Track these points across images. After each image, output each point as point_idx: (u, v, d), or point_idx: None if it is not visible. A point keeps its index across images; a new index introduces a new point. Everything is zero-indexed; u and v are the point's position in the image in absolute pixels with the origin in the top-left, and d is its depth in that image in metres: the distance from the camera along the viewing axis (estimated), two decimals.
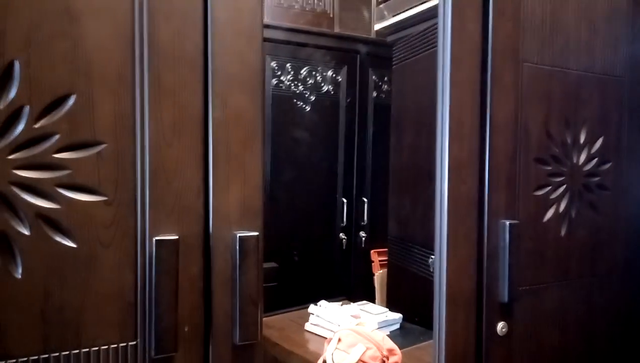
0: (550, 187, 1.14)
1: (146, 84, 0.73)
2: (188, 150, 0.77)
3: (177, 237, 0.75)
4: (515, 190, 1.09)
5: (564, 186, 1.16)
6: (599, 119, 1.21)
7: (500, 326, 1.06)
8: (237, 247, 0.79)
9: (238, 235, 0.79)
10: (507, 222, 1.05)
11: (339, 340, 1.41)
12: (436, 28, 1.02)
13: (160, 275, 0.73)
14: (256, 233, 0.80)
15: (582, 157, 1.19)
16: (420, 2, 2.16)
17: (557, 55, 1.14)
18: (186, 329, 0.76)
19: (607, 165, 1.23)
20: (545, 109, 1.12)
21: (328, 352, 1.40)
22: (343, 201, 2.59)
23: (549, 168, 1.14)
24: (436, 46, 1.02)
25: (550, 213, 1.14)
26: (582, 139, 1.19)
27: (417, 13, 2.01)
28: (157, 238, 0.73)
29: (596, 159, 1.21)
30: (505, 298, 1.05)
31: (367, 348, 1.35)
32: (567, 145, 1.16)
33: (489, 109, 1.04)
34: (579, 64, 1.17)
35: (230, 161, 0.80)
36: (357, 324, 1.53)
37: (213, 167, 0.79)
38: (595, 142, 1.21)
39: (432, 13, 2.00)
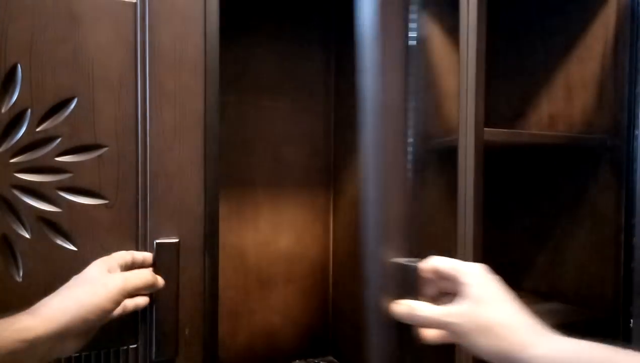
0: None
1: (147, 87, 0.74)
2: (189, 153, 0.77)
3: (177, 240, 0.75)
4: None
5: None
6: None
7: None
8: None
9: None
10: None
11: None
12: None
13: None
14: None
15: None
16: None
17: None
18: (187, 332, 0.76)
19: None
20: None
21: None
22: None
23: None
24: None
25: None
26: None
27: None
28: (158, 241, 0.73)
29: None
30: None
31: None
32: None
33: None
34: None
35: None
36: None
37: None
38: None
39: None
